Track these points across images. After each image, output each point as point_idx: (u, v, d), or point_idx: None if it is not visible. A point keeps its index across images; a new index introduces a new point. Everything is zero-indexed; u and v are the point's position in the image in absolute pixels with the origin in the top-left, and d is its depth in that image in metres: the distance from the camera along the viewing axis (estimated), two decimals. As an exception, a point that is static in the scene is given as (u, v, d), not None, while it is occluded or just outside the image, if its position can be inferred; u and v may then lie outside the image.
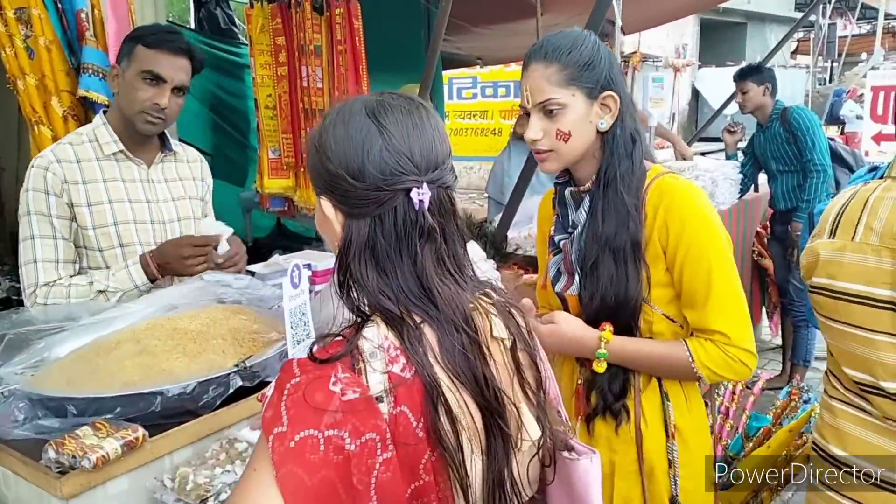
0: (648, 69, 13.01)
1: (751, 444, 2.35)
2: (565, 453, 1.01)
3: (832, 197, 1.55)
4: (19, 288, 1.81)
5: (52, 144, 1.92)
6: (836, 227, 1.40)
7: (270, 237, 4.82)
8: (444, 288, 0.88)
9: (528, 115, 1.44)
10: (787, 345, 4.34)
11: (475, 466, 0.87)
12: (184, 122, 3.26)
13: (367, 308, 0.88)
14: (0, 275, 3.75)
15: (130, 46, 1.80)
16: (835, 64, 15.35)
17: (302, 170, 3.71)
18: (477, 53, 6.25)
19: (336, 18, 3.27)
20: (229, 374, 1.29)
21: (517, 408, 0.92)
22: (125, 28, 2.44)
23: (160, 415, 1.22)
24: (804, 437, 2.25)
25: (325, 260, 1.99)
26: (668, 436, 1.47)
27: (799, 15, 6.92)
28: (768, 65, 4.50)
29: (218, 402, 1.28)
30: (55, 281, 1.76)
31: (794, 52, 16.84)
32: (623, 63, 10.41)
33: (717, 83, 12.22)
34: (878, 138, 7.23)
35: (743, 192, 4.27)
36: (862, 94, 8.79)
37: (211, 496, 1.16)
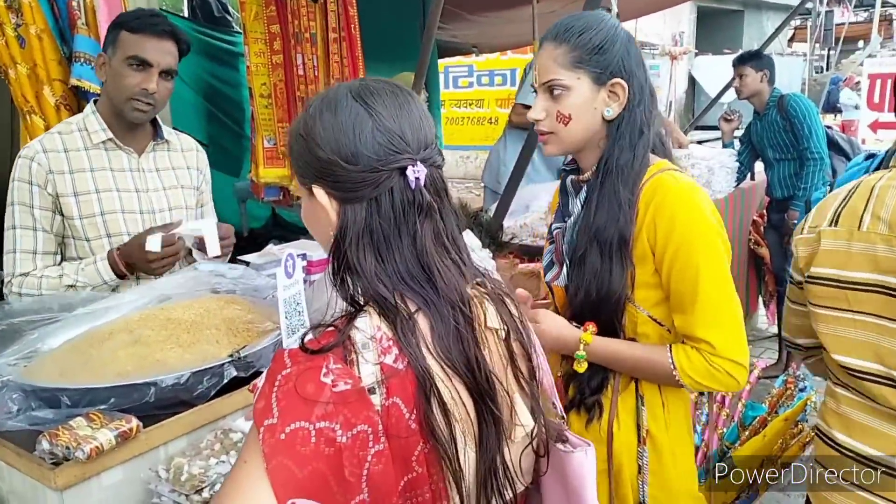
0: (645, 57, 12.91)
1: (746, 433, 2.35)
2: (560, 445, 1.01)
3: (829, 185, 1.54)
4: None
5: (42, 134, 1.90)
6: (838, 217, 1.39)
7: (266, 227, 4.80)
8: (443, 265, 0.88)
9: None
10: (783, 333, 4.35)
11: (468, 458, 0.86)
12: (177, 112, 3.23)
13: (361, 298, 0.87)
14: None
15: (115, 33, 1.79)
16: (832, 52, 15.36)
17: (297, 159, 3.69)
18: (473, 41, 6.22)
19: (331, 6, 3.25)
20: (224, 364, 1.29)
21: (510, 396, 0.91)
22: (117, 16, 2.42)
23: (154, 405, 1.22)
24: (800, 426, 2.26)
25: (320, 249, 1.97)
26: (639, 440, 1.42)
27: (796, 2, 6.89)
28: (765, 52, 4.50)
29: (212, 393, 1.28)
30: (30, 272, 1.75)
31: (791, 40, 16.84)
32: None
33: (714, 71, 12.16)
34: (875, 126, 7.22)
35: (739, 180, 4.28)
36: (859, 82, 8.78)
37: (206, 486, 1.15)
